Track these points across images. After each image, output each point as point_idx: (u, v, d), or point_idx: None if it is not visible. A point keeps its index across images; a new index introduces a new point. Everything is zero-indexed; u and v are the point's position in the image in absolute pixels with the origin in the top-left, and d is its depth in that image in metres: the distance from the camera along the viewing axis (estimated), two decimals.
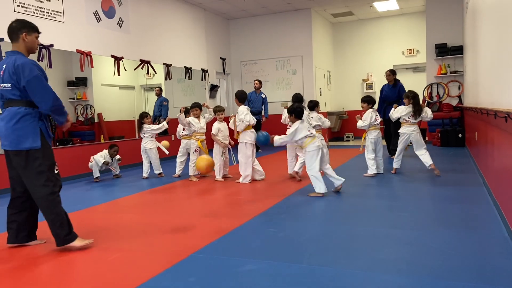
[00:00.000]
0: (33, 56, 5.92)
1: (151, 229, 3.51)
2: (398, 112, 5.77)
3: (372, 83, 12.15)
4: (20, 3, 5.83)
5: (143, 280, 2.42)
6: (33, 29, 3.08)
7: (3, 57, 5.43)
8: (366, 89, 12.18)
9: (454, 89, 9.53)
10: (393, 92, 7.46)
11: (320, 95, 11.41)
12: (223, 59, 11.26)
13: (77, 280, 2.50)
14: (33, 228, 3.21)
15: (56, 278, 2.56)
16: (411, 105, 5.65)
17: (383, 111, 7.48)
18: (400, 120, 5.79)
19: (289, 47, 11.08)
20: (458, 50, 9.24)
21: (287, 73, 11.21)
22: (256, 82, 9.60)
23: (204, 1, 9.73)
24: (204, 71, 10.25)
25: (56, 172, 3.05)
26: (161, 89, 8.81)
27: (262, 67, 11.43)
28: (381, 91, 7.80)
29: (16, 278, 2.57)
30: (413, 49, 11.59)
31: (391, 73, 7.56)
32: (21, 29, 3.02)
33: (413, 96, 5.69)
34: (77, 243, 3.01)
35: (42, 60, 6.05)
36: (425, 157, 5.53)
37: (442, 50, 9.46)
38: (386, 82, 7.76)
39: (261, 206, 4.17)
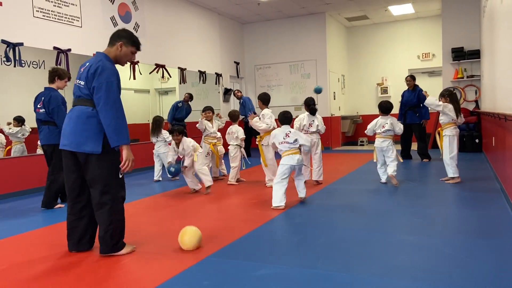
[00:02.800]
0: (51, 60, 6.06)
1: (165, 232, 3.53)
2: (431, 101, 5.40)
3: (387, 87, 12.05)
4: (39, 8, 5.96)
5: (157, 283, 2.43)
6: (133, 43, 2.99)
7: (22, 62, 5.60)
8: (381, 94, 12.08)
9: (471, 94, 9.40)
10: (413, 97, 7.56)
11: (334, 99, 11.37)
12: (237, 63, 11.31)
13: (90, 282, 2.53)
14: (94, 233, 3.09)
15: (68, 279, 2.59)
16: (447, 103, 5.32)
17: (404, 116, 7.64)
18: (444, 122, 5.35)
19: (303, 51, 11.07)
20: (475, 54, 9.12)
21: (300, 77, 11.20)
22: (237, 91, 9.70)
23: (219, 6, 9.79)
24: (218, 75, 10.30)
25: (120, 177, 2.93)
26: (190, 96, 8.47)
27: (275, 71, 11.44)
28: (402, 96, 7.89)
29: (24, 280, 2.61)
30: (429, 53, 11.47)
31: (411, 79, 7.68)
32: (121, 37, 2.98)
33: (449, 94, 5.38)
34: (123, 250, 2.96)
35: (60, 64, 6.16)
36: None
37: (458, 54, 9.34)
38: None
39: (275, 211, 4.16)
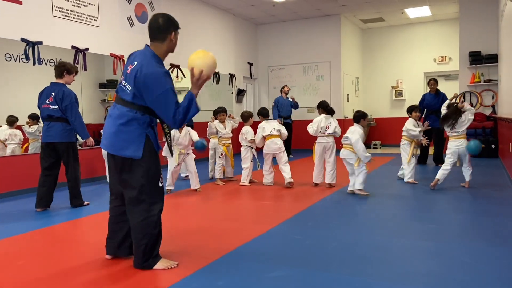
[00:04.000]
0: (69, 59, 6.14)
1: (178, 233, 3.55)
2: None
3: (401, 90, 11.95)
4: (58, 7, 6.05)
5: (171, 282, 2.45)
6: (177, 26, 2.67)
7: (41, 60, 5.69)
8: (396, 96, 11.99)
9: (487, 98, 9.26)
10: (436, 101, 7.51)
11: (348, 101, 11.31)
12: (251, 64, 11.32)
13: (104, 282, 2.56)
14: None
15: (82, 278, 2.62)
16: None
17: (424, 119, 7.54)
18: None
19: (317, 53, 11.04)
20: (493, 59, 8.99)
21: (314, 78, 11.17)
22: (286, 86, 9.95)
23: (234, 7, 9.83)
24: (232, 76, 10.33)
25: (160, 185, 2.69)
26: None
27: (289, 73, 11.43)
28: (422, 99, 7.80)
29: (34, 275, 2.65)
30: (446, 56, 11.34)
31: (435, 82, 7.68)
32: (170, 27, 2.64)
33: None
34: (159, 265, 2.67)
35: (77, 63, 6.25)
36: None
37: (475, 58, 9.21)
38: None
39: (288, 213, 4.16)
